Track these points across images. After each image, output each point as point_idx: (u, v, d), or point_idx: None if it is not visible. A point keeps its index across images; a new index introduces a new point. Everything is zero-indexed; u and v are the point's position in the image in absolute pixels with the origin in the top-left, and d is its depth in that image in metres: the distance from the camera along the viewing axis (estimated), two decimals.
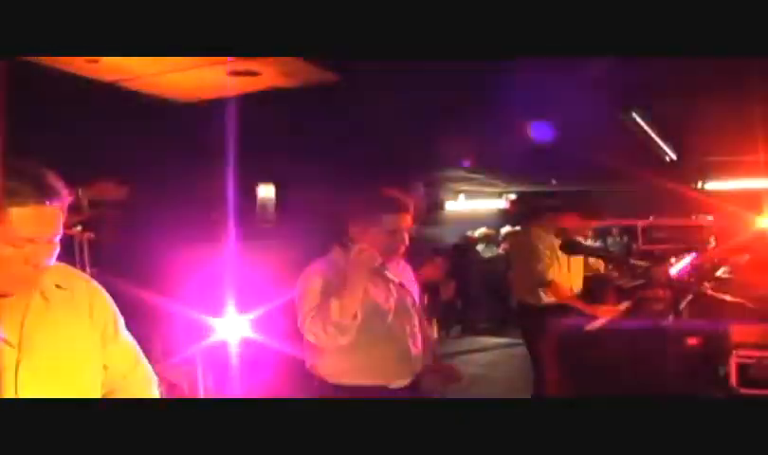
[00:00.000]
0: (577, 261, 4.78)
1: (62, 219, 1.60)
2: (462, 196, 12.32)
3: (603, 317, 4.38)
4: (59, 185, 1.59)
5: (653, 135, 6.02)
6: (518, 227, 11.14)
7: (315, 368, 2.88)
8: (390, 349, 2.83)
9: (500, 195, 12.91)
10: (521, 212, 11.63)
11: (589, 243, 5.96)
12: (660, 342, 3.70)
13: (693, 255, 5.03)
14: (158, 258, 5.18)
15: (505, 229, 11.55)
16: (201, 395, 4.03)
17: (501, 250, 11.16)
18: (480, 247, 11.02)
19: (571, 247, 4.10)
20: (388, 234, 2.77)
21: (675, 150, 7.28)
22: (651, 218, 8.60)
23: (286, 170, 6.56)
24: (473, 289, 9.93)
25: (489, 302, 10.29)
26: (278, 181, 6.48)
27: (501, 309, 10.38)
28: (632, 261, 4.09)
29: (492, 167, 9.58)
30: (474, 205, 12.62)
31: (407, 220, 2.82)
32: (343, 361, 2.78)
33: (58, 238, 1.61)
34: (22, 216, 1.52)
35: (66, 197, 1.61)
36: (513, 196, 12.89)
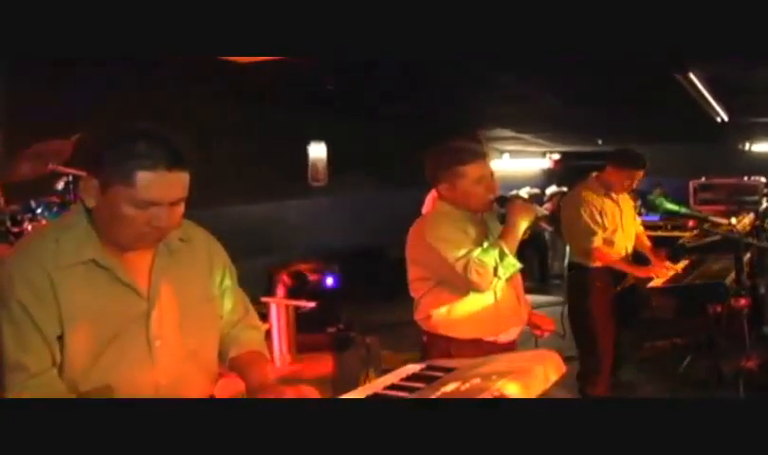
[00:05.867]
0: (630, 220, 4.75)
1: (187, 182, 1.59)
2: (506, 155, 12.27)
3: (655, 277, 4.38)
4: (191, 149, 1.58)
5: (707, 94, 5.92)
6: (563, 188, 11.09)
7: (427, 321, 2.84)
8: (503, 301, 2.82)
9: (543, 155, 12.82)
10: (566, 172, 11.56)
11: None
12: (715, 301, 3.71)
13: (752, 215, 4.97)
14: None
15: (551, 189, 11.48)
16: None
17: (545, 210, 11.09)
18: None
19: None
20: (474, 184, 2.71)
21: (726, 110, 7.16)
22: (703, 179, 8.46)
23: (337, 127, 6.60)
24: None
25: (531, 262, 10.29)
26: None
27: (541, 269, 10.41)
28: (711, 218, 4.13)
29: (537, 126, 9.51)
30: (518, 164, 12.55)
31: (488, 166, 2.76)
32: (458, 312, 2.76)
33: (182, 201, 1.61)
34: (148, 180, 1.52)
35: (194, 161, 1.59)
36: (557, 156, 12.79)
